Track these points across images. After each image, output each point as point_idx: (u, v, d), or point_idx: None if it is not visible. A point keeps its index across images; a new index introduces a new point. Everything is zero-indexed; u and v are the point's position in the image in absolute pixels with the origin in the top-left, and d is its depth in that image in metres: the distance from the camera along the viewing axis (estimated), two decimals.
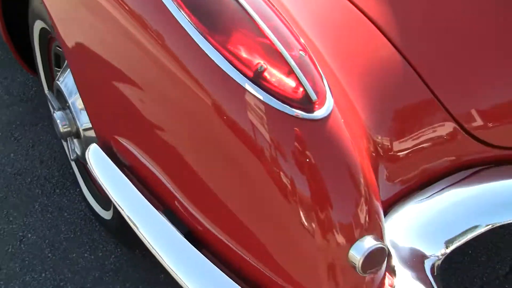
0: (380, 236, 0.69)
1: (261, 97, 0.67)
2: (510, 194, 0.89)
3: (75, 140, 1.25)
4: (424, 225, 0.83)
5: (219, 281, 0.74)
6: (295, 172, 0.66)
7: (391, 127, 0.82)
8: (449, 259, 1.29)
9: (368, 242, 0.66)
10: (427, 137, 0.86)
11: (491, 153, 0.92)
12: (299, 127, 0.66)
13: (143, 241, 0.84)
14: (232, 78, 0.68)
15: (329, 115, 0.67)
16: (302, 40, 0.75)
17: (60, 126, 1.27)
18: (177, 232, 0.81)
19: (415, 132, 0.85)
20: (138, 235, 0.85)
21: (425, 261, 0.78)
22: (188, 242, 0.80)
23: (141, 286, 1.37)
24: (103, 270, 1.41)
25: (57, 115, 1.28)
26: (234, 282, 0.73)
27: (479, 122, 0.91)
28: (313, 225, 0.66)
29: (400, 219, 0.81)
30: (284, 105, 0.67)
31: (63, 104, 1.32)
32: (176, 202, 0.83)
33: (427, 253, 0.79)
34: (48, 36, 1.36)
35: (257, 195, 0.70)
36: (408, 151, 0.85)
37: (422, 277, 0.76)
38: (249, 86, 0.68)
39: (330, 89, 0.71)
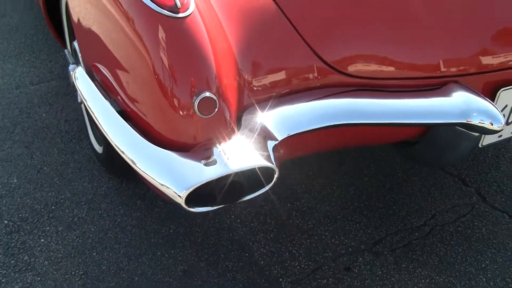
0: (215, 94, 1.12)
1: (150, 5, 1.16)
2: (349, 107, 1.28)
3: None
4: (277, 116, 1.24)
5: (134, 137, 1.20)
6: (162, 48, 1.13)
7: (256, 52, 1.25)
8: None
9: (205, 96, 1.10)
10: (291, 65, 1.28)
11: (345, 80, 1.33)
12: (168, 21, 1.13)
13: (98, 125, 1.30)
14: None
15: (187, 16, 1.14)
16: None
17: (71, 76, 1.81)
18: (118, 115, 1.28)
19: (279, 60, 1.27)
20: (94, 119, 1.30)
21: (268, 141, 1.20)
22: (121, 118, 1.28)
23: (121, 207, 1.85)
24: (95, 194, 1.90)
25: (71, 67, 1.82)
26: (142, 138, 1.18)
27: (337, 56, 1.32)
28: (170, 90, 1.11)
29: (263, 109, 1.24)
30: (161, 8, 1.14)
31: (77, 60, 1.87)
32: (118, 96, 1.31)
33: (273, 135, 1.20)
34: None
35: (144, 71, 1.17)
36: (271, 72, 1.26)
37: (263, 153, 1.18)
38: None
39: (197, 5, 1.18)
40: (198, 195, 1.06)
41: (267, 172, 1.10)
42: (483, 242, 1.69)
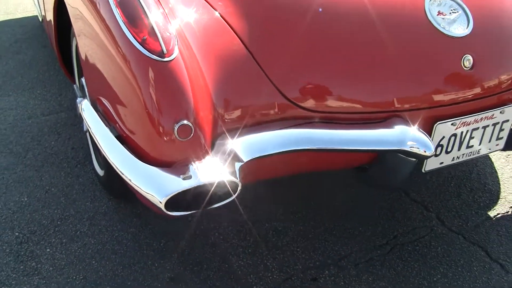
0: (192, 122, 1.45)
1: (142, 51, 1.50)
2: (308, 136, 1.60)
3: None
4: (244, 142, 1.56)
5: (127, 156, 1.52)
6: (151, 86, 1.47)
7: (229, 90, 1.58)
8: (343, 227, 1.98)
9: (182, 123, 1.42)
10: (258, 101, 1.61)
11: (303, 114, 1.65)
12: (156, 64, 1.46)
13: (99, 147, 1.63)
14: (131, 42, 1.51)
15: (171, 60, 1.47)
16: (171, 27, 1.57)
17: (78, 107, 2.16)
18: (114, 138, 1.60)
19: (248, 96, 1.60)
20: (97, 143, 1.63)
21: (236, 162, 1.52)
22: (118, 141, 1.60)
23: (119, 224, 2.16)
24: (96, 212, 2.22)
25: (79, 100, 2.17)
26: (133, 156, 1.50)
27: (298, 94, 1.64)
28: (157, 119, 1.44)
29: (233, 136, 1.56)
30: (150, 53, 1.49)
31: (83, 94, 2.22)
32: (116, 124, 1.64)
33: (240, 157, 1.52)
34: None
35: (136, 103, 1.50)
36: (241, 107, 1.59)
37: (231, 170, 1.50)
38: (139, 45, 1.50)
39: (180, 52, 1.52)
40: (179, 203, 1.38)
41: (233, 186, 1.41)
42: (437, 259, 1.97)
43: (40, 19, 3.16)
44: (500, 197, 2.27)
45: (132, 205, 2.14)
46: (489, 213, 2.18)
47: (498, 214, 2.17)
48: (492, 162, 2.52)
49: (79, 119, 2.71)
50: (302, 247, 1.97)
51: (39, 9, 3.26)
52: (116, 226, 2.04)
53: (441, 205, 2.21)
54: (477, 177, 2.40)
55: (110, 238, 1.98)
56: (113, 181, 2.02)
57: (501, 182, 2.37)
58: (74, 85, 2.26)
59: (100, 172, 2.15)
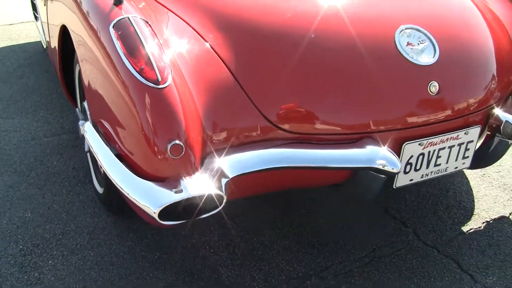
0: (183, 142, 1.65)
1: (140, 79, 1.71)
2: (288, 155, 1.80)
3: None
4: (230, 160, 1.77)
5: (125, 172, 1.73)
6: (147, 110, 1.67)
7: (217, 114, 1.79)
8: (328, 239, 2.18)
9: (174, 142, 1.63)
10: (243, 124, 1.82)
11: (284, 135, 1.86)
12: (152, 90, 1.67)
13: (99, 163, 1.84)
14: (130, 71, 1.73)
15: (165, 87, 1.69)
16: (165, 57, 1.79)
17: (81, 129, 2.37)
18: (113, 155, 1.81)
19: (235, 120, 1.81)
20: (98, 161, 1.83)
21: (222, 178, 1.73)
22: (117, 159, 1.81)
23: (116, 238, 2.36)
24: (95, 227, 2.40)
25: (81, 122, 2.38)
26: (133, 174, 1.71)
27: (279, 117, 1.85)
28: (152, 139, 1.64)
29: (220, 155, 1.76)
30: (146, 81, 1.70)
31: (85, 117, 2.43)
32: (116, 144, 1.85)
33: (226, 174, 1.73)
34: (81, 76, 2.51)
35: (133, 126, 1.71)
36: (227, 129, 1.81)
37: (218, 185, 1.70)
38: (137, 74, 1.71)
39: (173, 80, 1.74)
40: (171, 214, 1.58)
41: (219, 198, 1.61)
42: (412, 270, 2.16)
43: (44, 46, 3.39)
44: (474, 213, 2.47)
45: (129, 221, 2.33)
46: (462, 228, 2.37)
47: (471, 229, 2.36)
48: (468, 181, 2.72)
49: (79, 141, 2.91)
50: (286, 259, 2.16)
51: (43, 37, 3.50)
52: (114, 240, 2.22)
53: (418, 221, 2.40)
54: (453, 195, 2.60)
55: (108, 251, 2.16)
56: (112, 198, 2.21)
57: (475, 200, 2.57)
58: (77, 109, 2.47)
59: (100, 190, 2.35)
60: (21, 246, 2.17)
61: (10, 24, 5.41)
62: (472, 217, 2.42)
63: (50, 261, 2.09)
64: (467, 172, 2.76)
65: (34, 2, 3.77)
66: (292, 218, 2.40)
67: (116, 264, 2.07)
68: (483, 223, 2.39)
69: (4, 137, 3.05)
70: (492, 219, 2.41)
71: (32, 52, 4.56)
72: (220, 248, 2.18)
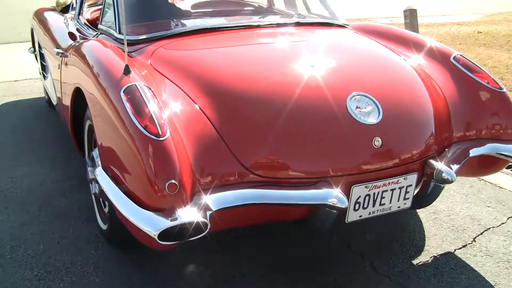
0: (178, 182, 2.21)
1: (145, 133, 2.28)
2: (260, 194, 2.34)
3: (95, 184, 2.84)
4: (213, 197, 2.32)
5: (131, 205, 2.27)
6: (150, 157, 2.22)
7: (203, 161, 2.34)
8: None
9: (170, 182, 2.19)
10: (224, 169, 2.37)
11: (257, 179, 2.41)
12: (153, 142, 2.21)
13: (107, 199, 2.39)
14: (137, 127, 2.30)
15: (164, 139, 2.25)
16: (164, 115, 2.36)
17: (89, 175, 2.91)
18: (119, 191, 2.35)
19: (217, 166, 2.38)
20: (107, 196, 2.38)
21: (208, 211, 2.28)
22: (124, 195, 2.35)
23: (119, 267, 2.87)
24: (100, 258, 2.87)
25: (90, 169, 2.93)
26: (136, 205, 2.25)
27: (253, 164, 2.41)
28: (154, 180, 2.19)
29: (206, 193, 2.32)
30: (149, 134, 2.26)
31: (93, 164, 2.98)
32: (123, 185, 2.39)
33: (210, 207, 2.27)
34: (92, 129, 3.06)
35: (139, 170, 2.27)
36: (212, 173, 2.37)
37: (203, 215, 2.25)
38: (142, 129, 2.27)
39: (170, 134, 2.31)
40: (169, 236, 2.12)
41: (205, 225, 2.16)
42: None
43: (54, 103, 3.96)
44: (424, 249, 2.99)
45: (130, 252, 2.83)
46: (413, 261, 2.88)
47: (420, 262, 2.88)
48: (421, 223, 3.26)
49: (82, 186, 3.42)
50: (260, 286, 2.67)
51: (53, 94, 4.07)
52: (116, 268, 2.72)
53: (375, 255, 2.91)
54: (408, 234, 3.13)
55: (110, 277, 2.66)
56: (115, 233, 2.73)
57: (426, 238, 3.10)
58: (86, 158, 3.02)
59: (103, 226, 2.86)
60: (35, 272, 2.66)
61: (15, 81, 6.04)
62: (422, 253, 2.93)
63: (61, 285, 2.58)
64: (421, 215, 3.31)
65: (44, 63, 4.36)
66: (265, 253, 2.86)
67: None
68: (431, 257, 2.90)
69: (16, 182, 3.57)
70: (439, 254, 2.92)
71: (37, 107, 5.15)
72: (204, 276, 2.68)
